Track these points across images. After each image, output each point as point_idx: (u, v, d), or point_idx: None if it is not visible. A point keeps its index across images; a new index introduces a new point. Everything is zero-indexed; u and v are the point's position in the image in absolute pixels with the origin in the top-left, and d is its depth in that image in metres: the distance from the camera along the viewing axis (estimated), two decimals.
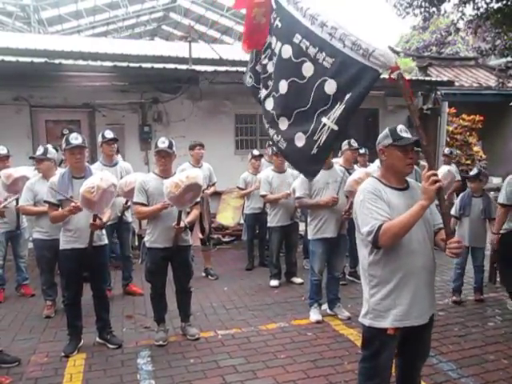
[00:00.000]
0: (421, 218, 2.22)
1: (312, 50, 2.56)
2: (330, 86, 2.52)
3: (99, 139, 5.12)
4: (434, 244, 2.42)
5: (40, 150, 4.63)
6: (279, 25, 2.79)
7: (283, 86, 2.78)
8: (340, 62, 2.46)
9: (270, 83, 2.92)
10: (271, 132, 2.96)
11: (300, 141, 2.73)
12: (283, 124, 2.85)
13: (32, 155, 4.59)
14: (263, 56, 2.97)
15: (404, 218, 2.19)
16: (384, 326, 2.32)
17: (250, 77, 3.17)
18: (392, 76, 2.32)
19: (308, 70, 2.61)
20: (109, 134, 5.04)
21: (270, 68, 2.91)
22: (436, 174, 2.18)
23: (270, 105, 2.95)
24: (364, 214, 2.28)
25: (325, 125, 2.57)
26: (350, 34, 2.43)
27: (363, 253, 2.40)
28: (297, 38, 2.64)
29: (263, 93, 3.00)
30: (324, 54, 2.51)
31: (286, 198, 5.42)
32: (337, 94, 2.50)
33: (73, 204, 3.60)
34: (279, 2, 2.77)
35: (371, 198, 2.29)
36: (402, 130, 2.38)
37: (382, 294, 2.33)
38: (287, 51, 2.72)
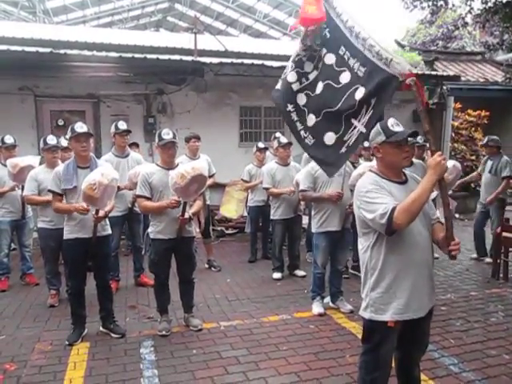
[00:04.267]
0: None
1: (352, 61, 2.82)
2: (359, 93, 2.74)
3: (112, 129, 5.07)
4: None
5: (53, 140, 4.64)
6: (328, 35, 3.02)
7: (319, 88, 3.03)
8: (369, 70, 2.68)
9: (305, 81, 3.15)
10: (299, 126, 3.17)
11: (330, 140, 2.97)
12: (311, 121, 3.09)
13: (50, 145, 4.62)
14: (303, 53, 3.16)
15: (415, 195, 2.17)
16: (384, 318, 2.32)
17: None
18: (407, 82, 2.43)
19: (345, 78, 2.86)
20: (122, 126, 5.01)
21: (308, 68, 3.15)
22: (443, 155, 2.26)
23: (302, 100, 3.17)
24: (370, 201, 2.25)
25: (355, 127, 2.81)
26: (375, 45, 2.64)
27: (364, 246, 2.39)
28: (341, 50, 2.89)
29: (296, 85, 3.18)
30: (359, 63, 2.76)
31: (289, 194, 5.41)
32: (363, 98, 2.71)
33: (83, 205, 3.60)
34: (329, 14, 2.98)
35: (375, 188, 2.28)
36: (394, 125, 2.35)
37: (382, 287, 2.33)
38: (330, 59, 2.98)
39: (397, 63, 2.50)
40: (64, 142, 4.88)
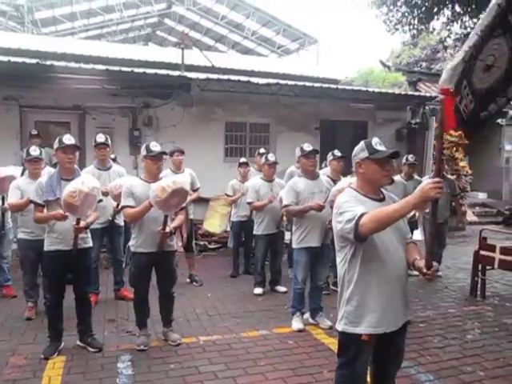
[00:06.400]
0: (395, 227, 2.28)
1: None
2: None
3: (93, 142, 5.08)
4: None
5: (36, 151, 4.56)
6: None
7: None
8: None
9: None
10: None
11: None
12: None
13: (32, 156, 4.52)
14: None
15: (387, 208, 2.20)
16: (357, 331, 2.36)
17: None
18: (438, 97, 2.38)
19: None
20: (100, 138, 4.98)
21: None
22: (441, 183, 2.07)
23: None
24: (343, 210, 2.30)
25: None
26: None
27: (341, 259, 2.44)
28: None
29: None
30: None
31: (271, 201, 5.47)
32: None
33: (60, 211, 3.59)
34: None
35: (351, 199, 2.36)
36: (377, 144, 2.43)
37: (356, 300, 2.37)
38: None
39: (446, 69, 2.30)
40: (36, 152, 4.53)
